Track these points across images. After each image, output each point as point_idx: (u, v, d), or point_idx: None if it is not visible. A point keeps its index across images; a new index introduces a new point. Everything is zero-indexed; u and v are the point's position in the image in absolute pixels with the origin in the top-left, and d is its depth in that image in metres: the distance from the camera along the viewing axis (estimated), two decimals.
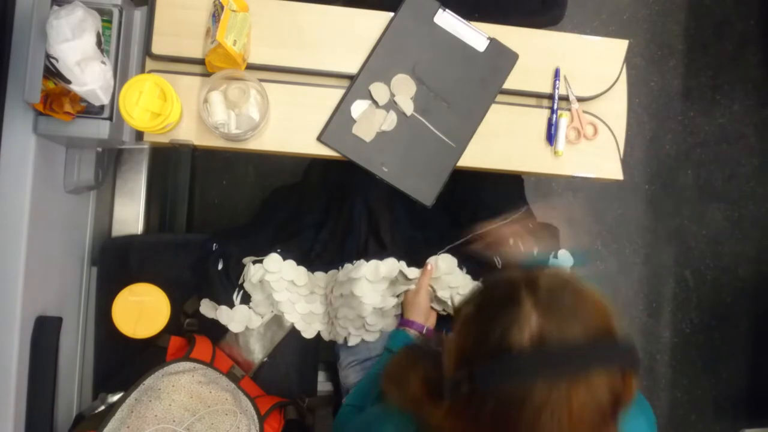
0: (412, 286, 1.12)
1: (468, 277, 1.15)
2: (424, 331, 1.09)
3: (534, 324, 0.58)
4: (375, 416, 0.85)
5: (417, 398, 0.69)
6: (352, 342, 1.13)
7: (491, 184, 1.25)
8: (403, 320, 1.11)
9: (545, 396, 0.56)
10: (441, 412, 0.64)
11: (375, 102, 1.06)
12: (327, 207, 1.24)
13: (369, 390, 1.03)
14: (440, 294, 1.14)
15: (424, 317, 1.10)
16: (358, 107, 1.06)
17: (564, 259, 1.24)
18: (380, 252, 1.13)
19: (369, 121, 1.06)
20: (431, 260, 1.13)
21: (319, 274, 1.17)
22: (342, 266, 1.15)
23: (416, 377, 0.71)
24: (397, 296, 1.12)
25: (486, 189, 1.26)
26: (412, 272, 1.12)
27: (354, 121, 1.05)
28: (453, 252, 1.15)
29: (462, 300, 0.68)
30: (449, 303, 1.15)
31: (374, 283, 1.10)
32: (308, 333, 1.19)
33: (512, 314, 0.59)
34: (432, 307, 1.14)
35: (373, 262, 1.11)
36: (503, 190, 1.28)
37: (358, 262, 1.12)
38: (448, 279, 1.13)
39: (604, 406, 0.58)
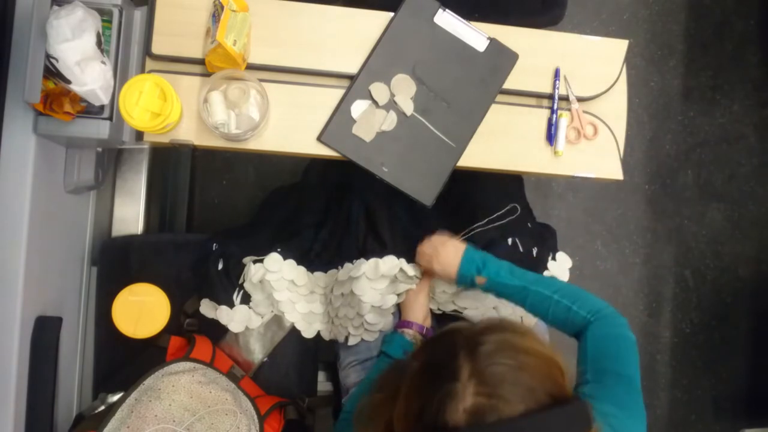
0: (413, 286, 1.11)
1: None
2: (424, 332, 1.09)
3: (469, 399, 0.57)
4: None
5: None
6: (351, 341, 1.13)
7: (490, 183, 1.25)
8: (401, 322, 1.11)
9: None
10: None
11: (375, 102, 1.06)
12: (326, 207, 1.24)
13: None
14: (437, 295, 1.14)
15: (422, 318, 1.10)
16: (358, 107, 1.06)
17: (562, 261, 1.24)
18: (380, 251, 1.13)
19: (369, 121, 1.06)
20: None
21: (319, 274, 1.17)
22: (342, 266, 1.15)
23: (380, 422, 0.69)
24: (398, 294, 1.12)
25: (485, 188, 1.26)
26: (412, 269, 1.12)
27: (354, 121, 1.06)
28: None
29: (414, 349, 0.67)
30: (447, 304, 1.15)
31: (374, 281, 1.10)
32: (308, 333, 1.19)
33: (449, 386, 0.58)
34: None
35: (373, 260, 1.11)
36: (502, 190, 1.28)
37: (357, 261, 1.12)
38: (444, 283, 1.14)
39: None
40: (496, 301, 1.15)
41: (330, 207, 1.23)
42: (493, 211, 1.20)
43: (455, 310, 1.16)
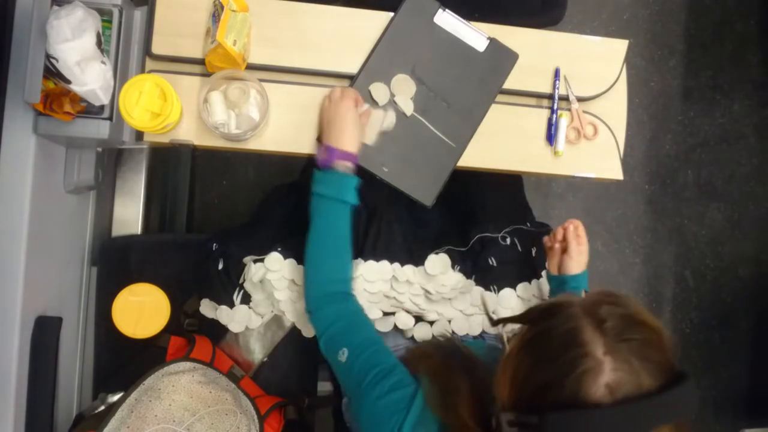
0: (410, 322, 1.08)
1: (460, 275, 1.15)
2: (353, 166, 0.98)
3: (609, 374, 0.57)
4: (387, 383, 0.80)
5: (465, 424, 0.67)
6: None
7: (490, 183, 1.25)
8: (335, 150, 0.94)
9: None
10: None
11: (375, 102, 1.06)
12: None
13: (334, 251, 0.96)
14: (431, 291, 1.13)
15: (357, 143, 0.96)
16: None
17: None
18: (378, 251, 1.12)
19: (370, 123, 1.06)
20: (430, 259, 1.12)
21: None
22: None
23: (462, 399, 0.69)
24: (384, 313, 1.11)
25: (484, 188, 1.26)
26: (405, 273, 1.11)
27: None
28: (449, 252, 1.15)
29: (514, 318, 0.66)
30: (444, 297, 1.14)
31: (370, 284, 1.09)
32: (308, 332, 1.19)
33: (583, 361, 0.58)
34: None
35: (372, 263, 1.10)
36: (501, 190, 1.28)
37: (355, 261, 1.12)
38: (443, 278, 1.13)
39: None
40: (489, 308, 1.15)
41: None
42: (493, 210, 1.20)
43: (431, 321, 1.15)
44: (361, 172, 1.06)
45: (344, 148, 0.96)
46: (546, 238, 1.11)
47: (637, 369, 0.57)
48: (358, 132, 0.97)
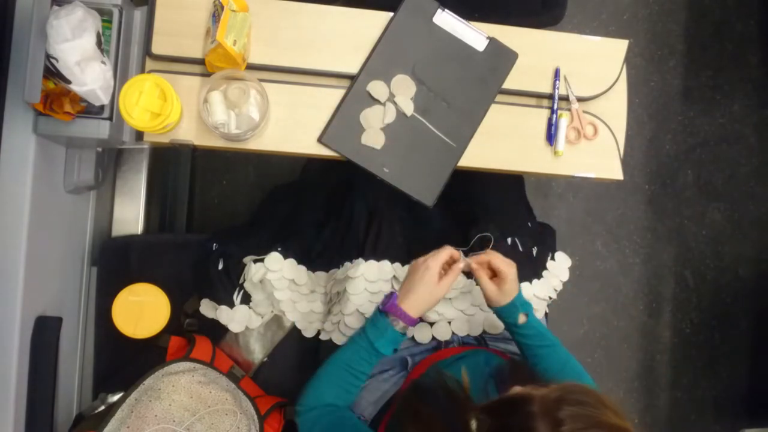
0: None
1: (462, 276, 1.15)
2: (407, 332, 0.98)
3: None
4: None
5: None
6: (322, 336, 1.13)
7: (491, 183, 1.25)
8: (398, 308, 0.94)
9: None
10: None
11: (375, 100, 1.06)
12: (327, 205, 1.23)
13: (341, 383, 0.95)
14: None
15: (422, 313, 0.96)
16: (369, 114, 1.06)
17: (561, 260, 1.24)
18: (379, 251, 1.12)
19: (370, 122, 1.06)
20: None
21: (320, 273, 1.17)
22: (342, 265, 1.15)
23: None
24: None
25: (486, 188, 1.26)
26: (406, 272, 1.11)
27: (358, 125, 1.05)
28: None
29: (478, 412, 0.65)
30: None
31: (371, 284, 1.09)
32: (309, 332, 1.19)
33: None
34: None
35: (372, 264, 1.10)
36: (503, 190, 1.27)
37: (356, 261, 1.12)
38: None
39: None
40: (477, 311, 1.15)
41: (331, 205, 1.22)
42: (494, 210, 1.20)
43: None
44: (360, 170, 1.07)
45: (407, 309, 0.94)
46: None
47: None
48: (428, 301, 0.95)
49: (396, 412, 0.92)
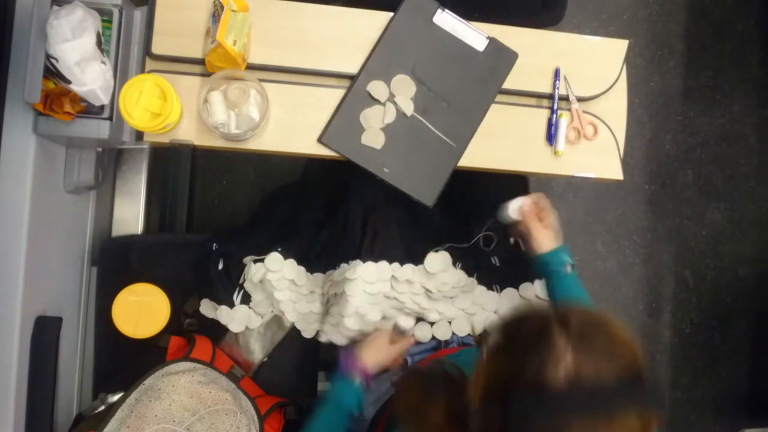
0: (411, 321, 1.08)
1: (462, 273, 1.15)
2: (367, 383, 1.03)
3: (569, 361, 0.58)
4: None
5: (439, 429, 0.69)
6: (322, 338, 1.13)
7: (495, 181, 1.24)
8: (358, 364, 1.02)
9: None
10: None
11: (375, 100, 1.06)
12: (326, 205, 1.23)
13: None
14: (432, 289, 1.14)
15: (380, 363, 1.03)
16: (369, 114, 1.06)
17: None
18: (376, 251, 1.12)
19: (370, 122, 1.06)
20: (429, 257, 1.13)
21: (318, 275, 1.17)
22: (338, 266, 1.15)
23: (437, 408, 0.70)
24: (383, 317, 1.11)
25: (490, 186, 1.26)
26: (405, 272, 1.11)
27: (358, 125, 1.05)
28: (450, 250, 1.15)
29: (491, 325, 0.67)
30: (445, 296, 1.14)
31: (369, 285, 1.09)
32: (308, 333, 1.19)
33: (547, 350, 0.59)
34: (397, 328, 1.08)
35: (370, 265, 1.10)
36: (507, 188, 1.27)
37: (353, 262, 1.12)
38: (444, 276, 1.13)
39: None
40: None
41: (330, 205, 1.22)
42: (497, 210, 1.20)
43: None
44: (360, 171, 1.07)
45: (362, 361, 1.01)
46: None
47: (597, 362, 0.59)
48: (381, 355, 1.04)
49: (394, 396, 0.93)
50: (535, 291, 1.17)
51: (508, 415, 0.58)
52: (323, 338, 1.14)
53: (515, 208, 1.05)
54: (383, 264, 1.11)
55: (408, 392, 0.82)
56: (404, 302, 1.11)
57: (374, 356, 1.03)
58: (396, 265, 1.12)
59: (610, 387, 0.58)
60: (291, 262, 1.15)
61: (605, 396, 0.58)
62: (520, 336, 0.64)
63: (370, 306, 1.09)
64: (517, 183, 1.32)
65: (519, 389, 0.59)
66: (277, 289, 1.14)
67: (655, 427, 0.61)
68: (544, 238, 1.03)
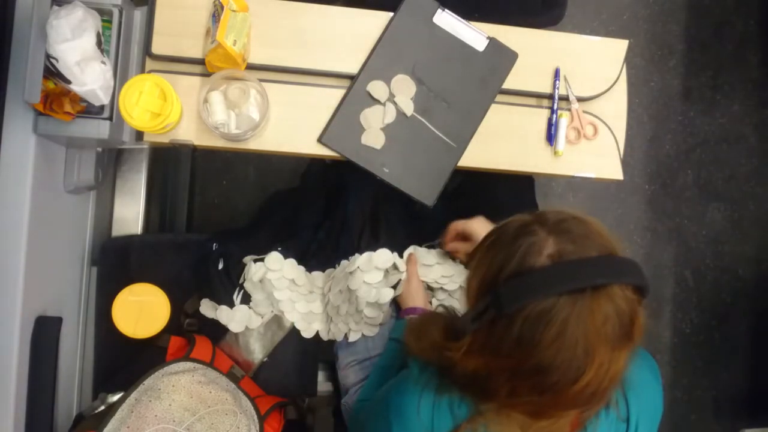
0: (404, 275, 1.11)
1: (459, 266, 1.15)
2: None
3: (551, 245, 0.62)
4: (392, 385, 0.86)
5: (437, 343, 0.71)
6: (352, 337, 1.13)
7: (500, 180, 1.24)
8: (405, 309, 1.11)
9: (570, 309, 0.59)
10: (461, 349, 0.66)
11: (375, 100, 1.06)
12: (325, 208, 1.24)
13: (380, 383, 1.02)
14: (431, 282, 1.14)
15: (423, 302, 1.10)
16: (369, 114, 1.06)
17: None
18: (374, 245, 1.12)
19: (370, 122, 1.06)
20: (410, 249, 1.14)
21: (317, 274, 1.17)
22: (338, 264, 1.15)
23: (436, 326, 0.73)
24: (393, 287, 1.12)
25: (494, 184, 1.26)
26: (404, 264, 1.12)
27: (358, 125, 1.05)
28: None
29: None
30: (443, 288, 1.15)
31: (367, 273, 1.09)
32: (308, 333, 1.19)
33: (529, 241, 0.63)
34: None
35: (366, 254, 1.11)
36: (511, 188, 1.27)
37: (353, 257, 1.12)
38: (441, 269, 1.13)
39: (624, 320, 0.61)
40: None
41: (329, 207, 1.23)
42: (500, 207, 1.20)
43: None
44: (359, 173, 1.07)
45: (409, 306, 1.10)
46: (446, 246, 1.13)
47: (576, 243, 0.62)
48: (420, 292, 1.12)
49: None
50: None
51: (499, 302, 0.61)
52: (352, 337, 1.14)
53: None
54: (382, 251, 1.11)
55: (414, 321, 0.85)
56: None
57: (415, 296, 1.10)
58: (396, 254, 1.12)
59: (590, 260, 0.61)
60: (291, 262, 1.15)
61: (587, 268, 0.61)
62: (505, 236, 0.66)
63: (377, 291, 1.09)
64: (526, 182, 1.32)
65: (507, 275, 0.62)
66: (277, 289, 1.14)
67: (642, 313, 0.64)
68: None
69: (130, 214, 1.38)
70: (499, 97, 1.12)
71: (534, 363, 0.60)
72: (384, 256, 1.11)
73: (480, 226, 1.05)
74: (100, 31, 0.91)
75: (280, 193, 1.37)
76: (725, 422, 2.07)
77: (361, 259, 1.10)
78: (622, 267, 0.63)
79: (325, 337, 1.19)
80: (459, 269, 1.14)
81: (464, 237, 1.08)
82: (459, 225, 1.08)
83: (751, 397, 2.09)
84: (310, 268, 1.17)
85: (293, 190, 1.35)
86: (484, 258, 0.67)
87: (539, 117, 1.14)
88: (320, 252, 1.18)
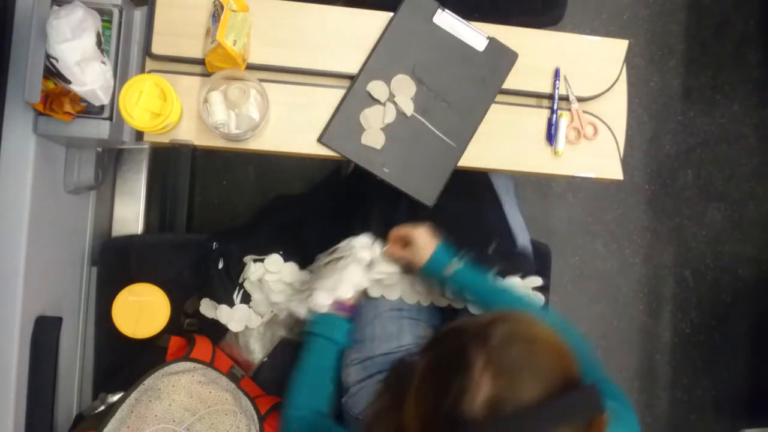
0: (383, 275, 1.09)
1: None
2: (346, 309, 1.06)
3: (485, 389, 0.56)
4: None
5: None
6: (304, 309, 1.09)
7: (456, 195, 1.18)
8: (338, 306, 1.05)
9: None
10: None
11: (375, 100, 1.06)
12: (332, 219, 1.24)
13: (314, 384, 1.00)
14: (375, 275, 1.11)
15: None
16: (369, 114, 1.06)
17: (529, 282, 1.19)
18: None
19: (370, 122, 1.06)
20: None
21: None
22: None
23: (390, 427, 0.69)
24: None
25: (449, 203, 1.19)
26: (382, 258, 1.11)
27: (358, 125, 1.06)
28: None
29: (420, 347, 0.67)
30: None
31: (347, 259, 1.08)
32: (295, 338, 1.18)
33: (463, 378, 0.57)
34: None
35: (347, 240, 1.09)
36: (466, 207, 1.23)
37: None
38: (384, 265, 1.11)
39: None
40: None
41: (335, 222, 1.23)
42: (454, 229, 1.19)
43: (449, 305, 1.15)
44: (362, 172, 1.07)
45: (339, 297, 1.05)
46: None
47: (515, 383, 0.57)
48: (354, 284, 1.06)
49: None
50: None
51: None
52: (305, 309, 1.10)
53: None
54: (362, 236, 1.10)
55: (371, 411, 0.81)
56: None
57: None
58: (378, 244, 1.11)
59: (532, 409, 0.56)
60: (291, 265, 1.15)
61: (528, 420, 0.55)
62: (441, 362, 0.62)
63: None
64: (484, 199, 1.27)
65: (438, 424, 0.58)
66: (274, 291, 1.14)
67: (603, 427, 0.58)
68: (409, 260, 1.07)
69: (130, 214, 1.38)
70: (499, 97, 1.12)
71: None
72: (363, 239, 1.09)
73: (422, 238, 1.04)
74: (100, 31, 0.91)
75: (282, 198, 1.37)
76: (725, 422, 2.07)
77: (341, 244, 1.09)
78: (568, 408, 0.57)
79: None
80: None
81: (405, 243, 1.07)
82: (402, 231, 1.06)
83: (751, 397, 2.09)
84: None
85: (298, 196, 1.35)
86: (422, 383, 0.63)
87: (539, 117, 1.14)
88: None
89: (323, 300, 1.03)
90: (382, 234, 1.12)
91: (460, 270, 1.02)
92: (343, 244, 1.10)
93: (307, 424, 0.96)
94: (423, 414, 0.61)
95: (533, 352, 0.59)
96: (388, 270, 1.11)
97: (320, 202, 1.28)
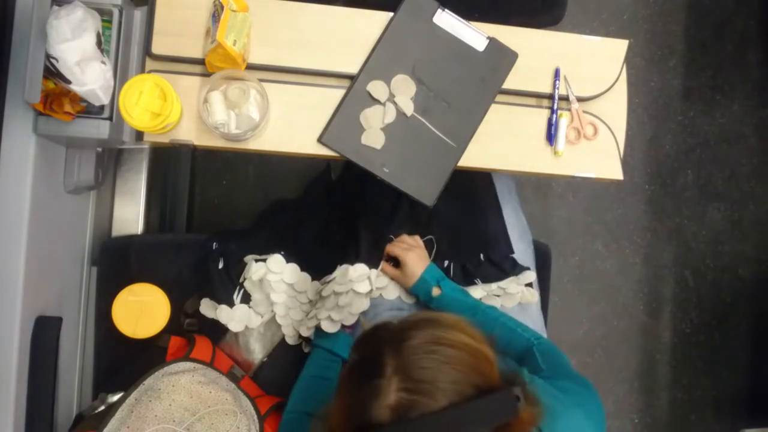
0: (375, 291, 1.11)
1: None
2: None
3: (393, 395, 0.57)
4: None
5: None
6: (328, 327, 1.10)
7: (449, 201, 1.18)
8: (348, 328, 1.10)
9: None
10: None
11: (375, 100, 1.06)
12: (328, 222, 1.24)
13: (311, 393, 1.03)
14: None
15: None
16: (369, 114, 1.06)
17: (523, 278, 1.19)
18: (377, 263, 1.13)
19: (370, 122, 1.06)
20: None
21: (315, 283, 1.17)
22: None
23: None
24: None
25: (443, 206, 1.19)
26: (380, 281, 1.12)
27: (358, 125, 1.06)
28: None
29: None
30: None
31: (342, 286, 1.08)
32: (293, 339, 1.18)
33: (374, 384, 0.58)
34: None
35: (344, 267, 1.10)
36: (462, 214, 1.24)
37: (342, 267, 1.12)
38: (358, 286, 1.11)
39: None
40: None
41: (332, 223, 1.23)
42: (447, 235, 1.20)
43: None
44: (362, 172, 1.07)
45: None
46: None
47: (422, 389, 0.57)
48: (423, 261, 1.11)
49: None
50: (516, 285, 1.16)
51: None
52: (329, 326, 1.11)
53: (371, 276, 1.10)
54: (360, 266, 1.11)
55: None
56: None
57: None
58: (374, 271, 1.12)
59: (438, 416, 0.56)
60: (293, 266, 1.15)
61: (434, 424, 0.56)
62: (358, 367, 0.63)
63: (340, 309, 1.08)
64: (480, 207, 1.26)
65: (355, 427, 0.59)
66: (275, 291, 1.14)
67: (525, 424, 0.59)
68: (398, 280, 1.12)
69: (130, 214, 1.38)
70: (499, 97, 1.12)
71: None
72: (360, 270, 1.10)
73: (411, 262, 1.07)
74: (100, 31, 0.91)
75: (282, 201, 1.38)
76: (725, 422, 2.07)
77: (339, 272, 1.10)
78: (477, 413, 0.57)
79: (291, 342, 1.17)
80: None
81: (396, 262, 1.11)
82: (396, 250, 1.10)
83: (751, 397, 2.09)
84: (313, 278, 1.18)
85: (296, 200, 1.36)
86: (343, 387, 0.64)
87: (539, 117, 1.14)
88: (321, 263, 1.18)
89: (329, 329, 1.07)
90: (375, 254, 1.14)
91: (443, 294, 1.07)
92: (339, 273, 1.10)
93: (293, 421, 1.00)
94: (340, 415, 0.62)
95: (445, 361, 0.60)
96: (385, 284, 1.14)
97: (316, 204, 1.28)
